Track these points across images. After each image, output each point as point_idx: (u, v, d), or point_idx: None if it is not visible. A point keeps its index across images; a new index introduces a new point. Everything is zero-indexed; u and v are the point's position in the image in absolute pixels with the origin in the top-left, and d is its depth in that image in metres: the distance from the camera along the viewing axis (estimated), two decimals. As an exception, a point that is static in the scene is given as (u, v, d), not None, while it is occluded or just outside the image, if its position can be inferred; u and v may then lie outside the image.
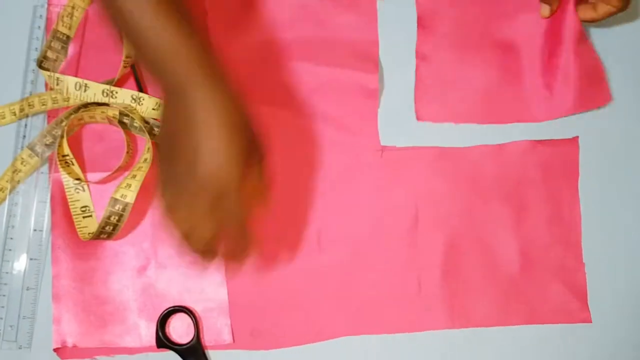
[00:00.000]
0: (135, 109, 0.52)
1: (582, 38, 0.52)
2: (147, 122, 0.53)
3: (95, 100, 0.52)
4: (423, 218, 0.53)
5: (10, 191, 0.53)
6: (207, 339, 0.52)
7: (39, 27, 0.55)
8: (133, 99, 0.52)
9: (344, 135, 0.54)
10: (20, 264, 0.52)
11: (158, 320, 0.51)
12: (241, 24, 0.55)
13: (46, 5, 0.55)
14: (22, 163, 0.53)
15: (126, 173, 0.51)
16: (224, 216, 0.38)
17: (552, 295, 0.53)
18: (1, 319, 0.52)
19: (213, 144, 0.37)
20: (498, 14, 0.54)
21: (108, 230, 0.50)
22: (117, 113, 0.52)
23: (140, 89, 0.54)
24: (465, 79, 0.54)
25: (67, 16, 0.53)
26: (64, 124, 0.52)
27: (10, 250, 0.53)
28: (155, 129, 0.53)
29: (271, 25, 0.55)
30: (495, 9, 0.54)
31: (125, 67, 0.52)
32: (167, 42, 0.36)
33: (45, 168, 0.53)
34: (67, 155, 0.51)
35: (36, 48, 0.54)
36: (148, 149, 0.51)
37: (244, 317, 0.52)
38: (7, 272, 0.52)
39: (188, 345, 0.51)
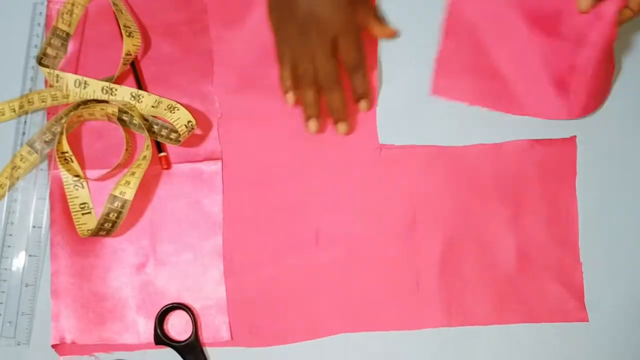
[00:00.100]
0: (134, 107, 0.52)
1: (611, 45, 0.50)
2: (146, 120, 0.53)
3: (95, 98, 0.52)
4: (421, 216, 0.53)
5: (10, 188, 0.53)
6: (205, 336, 0.52)
7: (39, 24, 0.55)
8: (132, 96, 0.52)
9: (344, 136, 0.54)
10: (19, 260, 0.53)
11: (156, 317, 0.51)
12: (240, 21, 0.55)
13: (46, 3, 0.55)
14: (21, 160, 0.53)
15: (125, 170, 0.51)
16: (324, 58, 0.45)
17: (549, 294, 0.53)
18: (0, 315, 0.52)
19: None
20: (533, 6, 0.53)
21: (107, 227, 0.50)
22: (117, 110, 0.52)
23: (140, 86, 0.54)
24: (486, 62, 0.54)
25: (67, 13, 0.54)
26: (63, 121, 0.52)
27: (9, 246, 0.53)
28: (155, 127, 0.53)
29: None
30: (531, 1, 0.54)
31: (124, 64, 0.53)
32: None
33: (44, 165, 0.53)
34: (67, 152, 0.51)
35: (36, 45, 0.55)
36: (147, 146, 0.51)
37: (242, 314, 0.52)
38: (5, 269, 0.52)
39: (186, 342, 0.51)
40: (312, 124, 0.51)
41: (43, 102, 0.53)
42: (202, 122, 0.54)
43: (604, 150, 0.55)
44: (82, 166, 0.53)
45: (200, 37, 0.55)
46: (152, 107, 0.52)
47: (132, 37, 0.53)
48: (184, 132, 0.51)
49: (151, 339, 0.52)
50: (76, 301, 0.52)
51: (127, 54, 0.52)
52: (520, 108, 0.54)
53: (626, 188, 0.55)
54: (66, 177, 0.52)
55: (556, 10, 0.52)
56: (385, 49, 0.55)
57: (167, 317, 0.52)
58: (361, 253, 0.53)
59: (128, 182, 0.50)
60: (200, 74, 0.55)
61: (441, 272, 0.53)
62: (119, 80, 0.54)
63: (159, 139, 0.53)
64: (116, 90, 0.52)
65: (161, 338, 0.51)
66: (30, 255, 0.53)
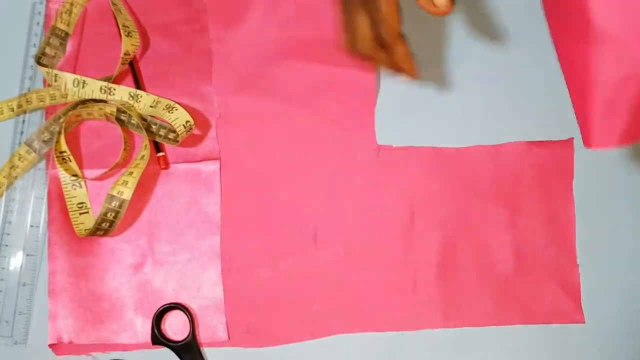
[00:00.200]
0: (132, 107, 0.52)
1: None
2: (144, 119, 0.53)
3: (93, 97, 0.52)
4: (419, 217, 0.53)
5: (7, 187, 0.53)
6: (202, 336, 0.52)
7: (38, 23, 0.55)
8: (131, 96, 0.52)
9: (341, 134, 0.54)
10: (17, 260, 0.52)
11: (153, 317, 0.51)
12: (240, 21, 0.55)
13: (45, 2, 0.55)
14: (19, 159, 0.53)
15: (123, 170, 0.51)
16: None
17: (546, 296, 0.53)
18: (-3, 314, 0.52)
19: None
20: None
21: (104, 227, 0.50)
22: (115, 110, 0.52)
23: (138, 86, 0.54)
24: None
25: (65, 13, 0.54)
26: (61, 120, 0.52)
27: (6, 246, 0.53)
28: (153, 127, 0.53)
29: (270, 23, 0.55)
30: None
31: (123, 64, 0.53)
32: None
33: (42, 164, 0.53)
34: (65, 151, 0.51)
35: (34, 44, 0.54)
36: (145, 146, 0.51)
37: (240, 315, 0.52)
38: (3, 268, 0.52)
39: (183, 342, 0.51)
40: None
41: (41, 101, 0.53)
42: (201, 122, 0.54)
43: (601, 153, 0.55)
44: (80, 166, 0.53)
45: (200, 37, 0.55)
46: (151, 107, 0.52)
47: (131, 36, 0.53)
48: (182, 132, 0.51)
49: (149, 339, 0.52)
50: (73, 301, 0.52)
51: (125, 54, 0.52)
52: None
53: (623, 190, 0.55)
54: (64, 177, 0.52)
55: None
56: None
57: (165, 317, 0.52)
58: (359, 254, 0.53)
59: (126, 182, 0.50)
60: (199, 74, 0.55)
61: (439, 273, 0.53)
62: (118, 79, 0.54)
63: (157, 139, 0.53)
64: (114, 90, 0.52)
65: (158, 338, 0.51)
66: (27, 255, 0.53)
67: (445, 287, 0.53)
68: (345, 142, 0.54)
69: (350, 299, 0.53)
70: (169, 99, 0.52)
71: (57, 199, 0.53)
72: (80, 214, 0.52)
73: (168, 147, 0.54)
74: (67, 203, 0.52)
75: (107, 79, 0.52)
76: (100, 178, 0.53)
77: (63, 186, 0.52)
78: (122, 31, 0.52)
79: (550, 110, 0.55)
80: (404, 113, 0.55)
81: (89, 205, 0.53)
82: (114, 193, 0.49)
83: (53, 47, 0.53)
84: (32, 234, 0.53)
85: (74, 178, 0.52)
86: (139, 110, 0.52)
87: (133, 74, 0.54)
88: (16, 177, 0.53)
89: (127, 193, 0.49)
